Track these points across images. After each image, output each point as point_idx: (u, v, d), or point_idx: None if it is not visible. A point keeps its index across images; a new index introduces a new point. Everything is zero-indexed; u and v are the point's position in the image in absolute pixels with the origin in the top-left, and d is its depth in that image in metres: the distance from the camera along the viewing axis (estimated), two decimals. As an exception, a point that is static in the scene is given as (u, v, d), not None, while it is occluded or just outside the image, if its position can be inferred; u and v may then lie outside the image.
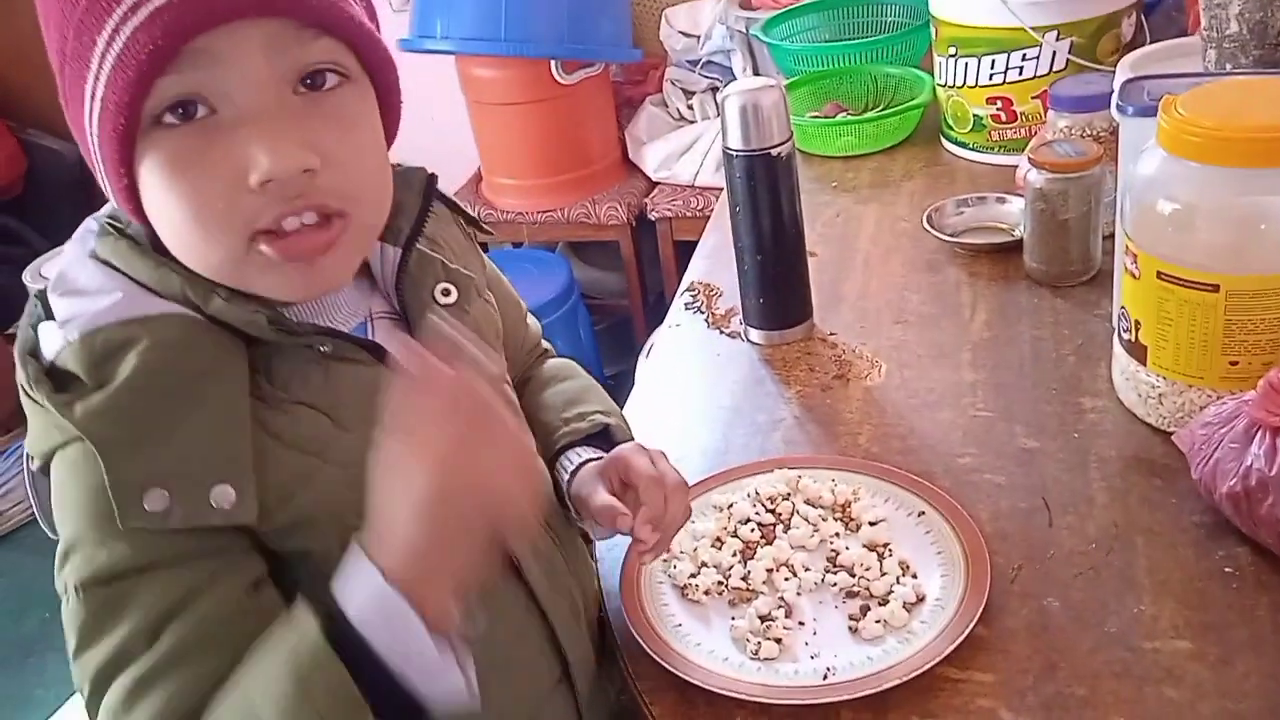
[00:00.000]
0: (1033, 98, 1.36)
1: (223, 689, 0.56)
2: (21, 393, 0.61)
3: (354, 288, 0.69)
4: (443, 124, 2.24)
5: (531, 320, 0.91)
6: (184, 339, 0.59)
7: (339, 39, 0.59)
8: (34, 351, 0.61)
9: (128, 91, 0.54)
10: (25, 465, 0.65)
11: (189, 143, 0.56)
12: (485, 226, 0.81)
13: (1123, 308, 0.90)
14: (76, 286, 0.61)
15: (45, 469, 0.62)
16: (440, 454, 0.55)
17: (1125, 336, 0.90)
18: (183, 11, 0.53)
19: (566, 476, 0.79)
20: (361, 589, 0.55)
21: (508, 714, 0.72)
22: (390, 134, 0.67)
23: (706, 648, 0.76)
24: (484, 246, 2.76)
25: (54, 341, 0.60)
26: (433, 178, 0.73)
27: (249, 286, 0.61)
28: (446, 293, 0.71)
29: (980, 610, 0.73)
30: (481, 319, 0.75)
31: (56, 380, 0.59)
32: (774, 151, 1.03)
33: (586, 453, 0.81)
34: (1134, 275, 0.87)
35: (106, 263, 0.62)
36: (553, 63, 2.23)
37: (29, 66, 2.89)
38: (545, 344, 0.93)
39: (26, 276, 2.64)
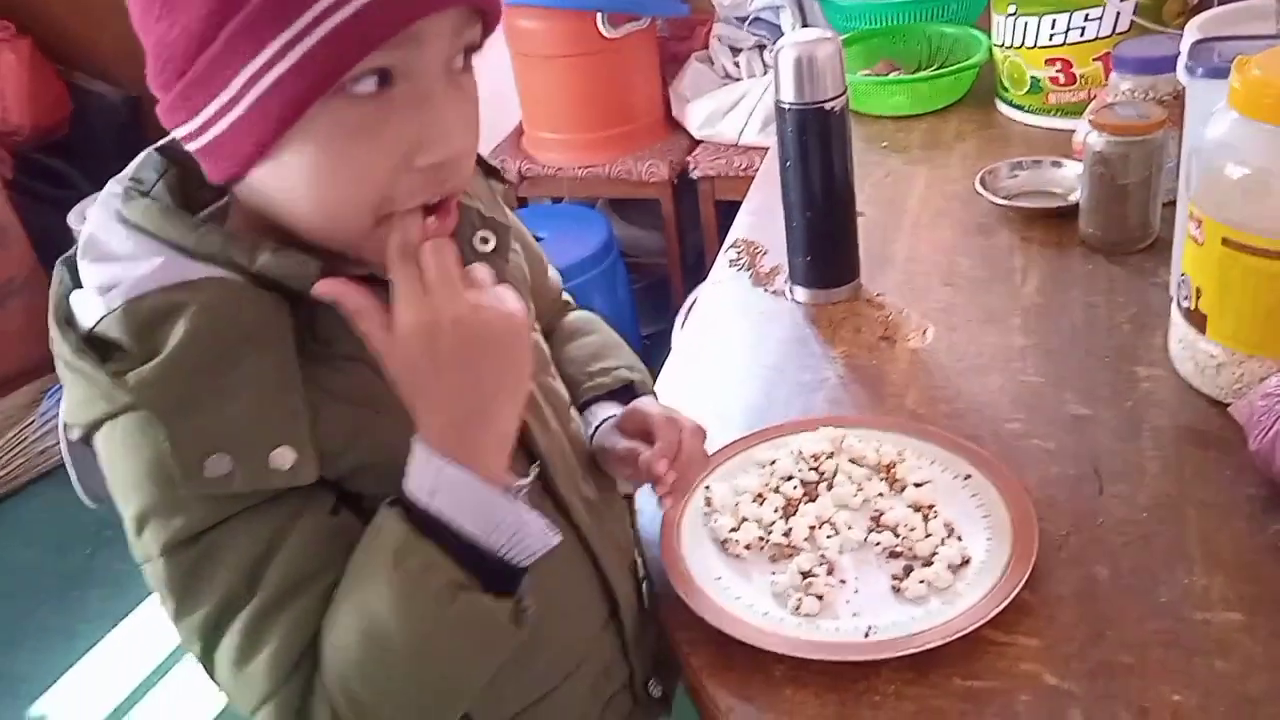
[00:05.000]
0: (1093, 60, 1.33)
1: (333, 605, 0.59)
2: (59, 362, 0.60)
3: None
4: (485, 76, 2.22)
5: (552, 272, 0.91)
6: (230, 302, 0.59)
7: (487, 21, 0.60)
8: (69, 320, 0.60)
9: (338, 61, 0.53)
10: (62, 434, 0.64)
11: (370, 115, 0.56)
12: (505, 177, 0.80)
13: (1183, 275, 0.88)
14: (108, 251, 0.60)
15: (85, 439, 0.61)
16: (419, 301, 0.58)
17: (1185, 304, 0.88)
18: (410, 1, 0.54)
19: (591, 431, 0.80)
20: (423, 474, 0.58)
21: (563, 653, 0.74)
22: None
23: (746, 601, 0.75)
24: (523, 201, 2.74)
25: (93, 309, 0.58)
26: None
27: (360, 254, 0.61)
28: (485, 240, 0.70)
29: (1027, 574, 0.72)
30: (514, 269, 0.75)
31: (97, 349, 0.58)
32: (828, 106, 1.01)
33: (610, 408, 0.82)
34: (1197, 241, 0.84)
35: (137, 227, 0.61)
36: (599, 16, 2.21)
37: (79, 12, 2.90)
38: (566, 296, 0.93)
39: (72, 218, 2.67)
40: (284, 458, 0.58)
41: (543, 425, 0.72)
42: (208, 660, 0.60)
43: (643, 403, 0.80)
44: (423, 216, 0.60)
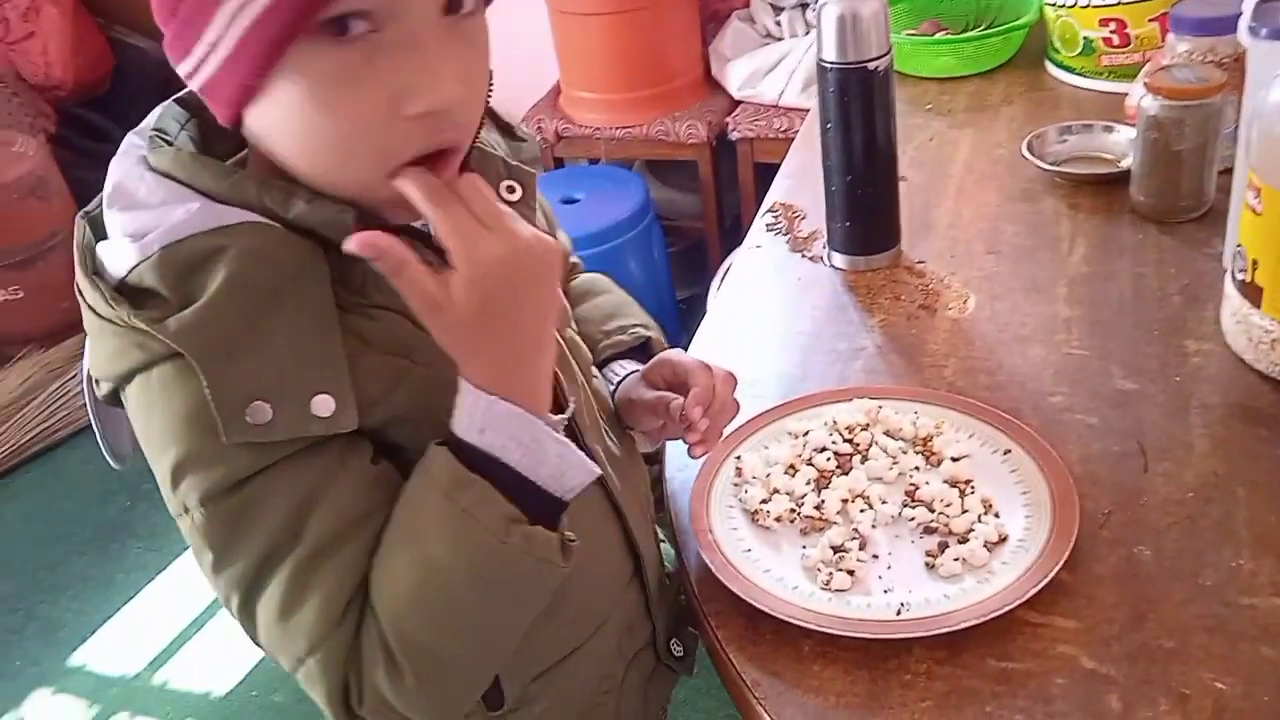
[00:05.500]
0: (1149, 20, 1.28)
1: (382, 549, 0.59)
2: (89, 314, 0.59)
3: None
4: (524, 33, 2.18)
5: (561, 234, 0.89)
6: (269, 247, 0.57)
7: None
8: (97, 272, 0.59)
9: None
10: (88, 391, 0.63)
11: (349, 59, 0.54)
12: (520, 134, 0.77)
13: (1239, 246, 0.84)
14: (138, 199, 0.59)
15: (113, 395, 0.60)
16: (484, 237, 0.56)
17: (1240, 276, 0.85)
18: None
19: (612, 388, 0.80)
20: (471, 413, 0.58)
21: (590, 608, 0.74)
22: None
23: (776, 574, 0.74)
24: (559, 162, 2.69)
25: (125, 257, 0.57)
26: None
27: (377, 208, 0.60)
28: (511, 190, 0.69)
29: (1066, 554, 0.70)
30: (539, 218, 0.74)
31: (129, 298, 0.57)
32: (871, 66, 0.98)
33: (629, 365, 0.82)
34: (1255, 211, 0.81)
35: (166, 174, 0.60)
36: (639, -28, 2.17)
37: (116, -38, 2.90)
38: (575, 258, 0.92)
39: (112, 173, 2.68)
40: (325, 405, 0.57)
41: (570, 378, 0.71)
42: (247, 613, 0.59)
43: (672, 353, 0.80)
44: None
